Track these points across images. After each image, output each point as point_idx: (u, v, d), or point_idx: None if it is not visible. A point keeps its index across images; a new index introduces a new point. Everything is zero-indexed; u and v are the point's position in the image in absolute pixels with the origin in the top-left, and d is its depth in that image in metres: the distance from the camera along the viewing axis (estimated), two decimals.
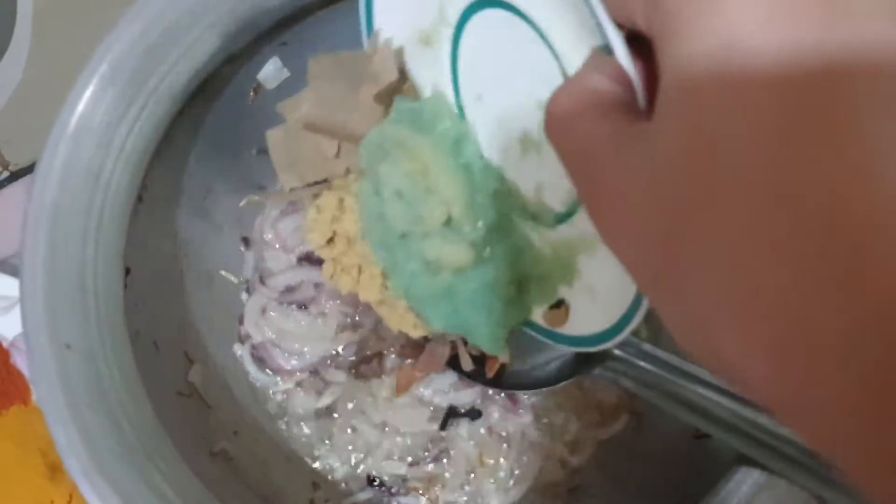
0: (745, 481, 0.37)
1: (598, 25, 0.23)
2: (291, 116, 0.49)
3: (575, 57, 0.28)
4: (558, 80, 0.29)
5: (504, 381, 0.49)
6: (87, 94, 0.42)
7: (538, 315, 0.39)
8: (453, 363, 0.49)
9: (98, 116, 0.42)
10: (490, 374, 0.48)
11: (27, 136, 0.69)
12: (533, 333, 0.40)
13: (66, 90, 0.62)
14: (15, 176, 0.72)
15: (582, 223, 0.33)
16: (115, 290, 0.42)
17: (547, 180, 0.34)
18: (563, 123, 0.24)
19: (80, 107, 0.42)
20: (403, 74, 0.45)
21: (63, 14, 0.62)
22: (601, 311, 0.34)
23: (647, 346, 0.45)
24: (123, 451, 0.37)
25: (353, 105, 0.48)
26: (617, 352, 0.44)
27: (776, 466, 0.35)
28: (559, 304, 0.38)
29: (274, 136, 0.52)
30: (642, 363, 0.42)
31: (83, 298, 0.40)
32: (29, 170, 0.72)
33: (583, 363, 0.46)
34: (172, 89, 0.44)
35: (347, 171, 0.52)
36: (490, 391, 0.51)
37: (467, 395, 0.51)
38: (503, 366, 0.49)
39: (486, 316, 0.40)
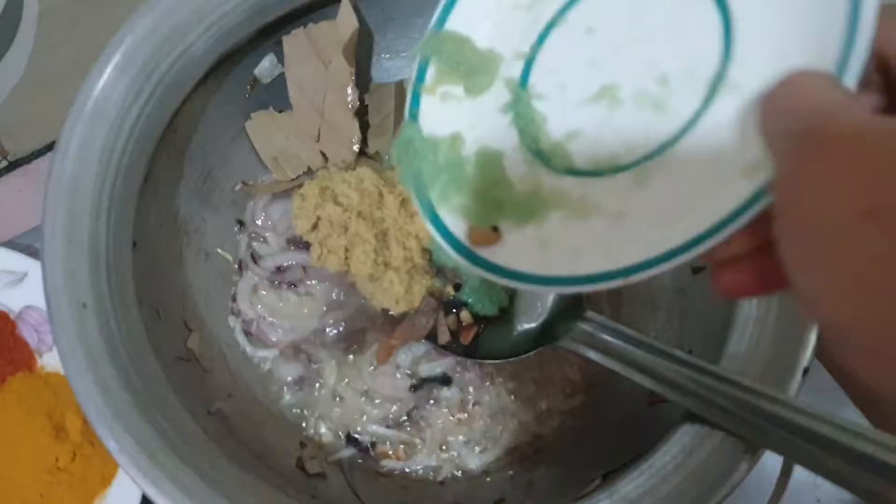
0: (688, 433, 0.41)
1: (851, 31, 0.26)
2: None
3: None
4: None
5: (477, 351, 0.54)
6: (103, 80, 0.46)
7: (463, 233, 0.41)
8: (429, 336, 0.54)
9: (112, 101, 0.46)
10: (465, 341, 0.53)
11: (25, 127, 0.73)
12: (464, 261, 0.40)
13: (66, 85, 0.66)
14: (13, 165, 0.75)
15: (590, 187, 0.35)
16: (125, 259, 0.46)
17: (591, 133, 0.35)
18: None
19: (96, 92, 0.46)
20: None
21: (67, 13, 0.65)
22: (540, 261, 0.36)
23: (609, 322, 0.49)
24: (134, 399, 0.41)
25: (326, 81, 0.53)
26: (583, 326, 0.49)
27: (716, 418, 0.40)
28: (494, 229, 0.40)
29: (253, 128, 0.56)
30: (605, 336, 0.47)
31: (97, 264, 0.44)
32: (27, 159, 0.76)
33: (549, 336, 0.51)
34: (178, 80, 0.49)
35: (325, 158, 0.56)
36: (465, 362, 0.55)
37: (440, 366, 0.55)
38: (477, 335, 0.53)
39: None
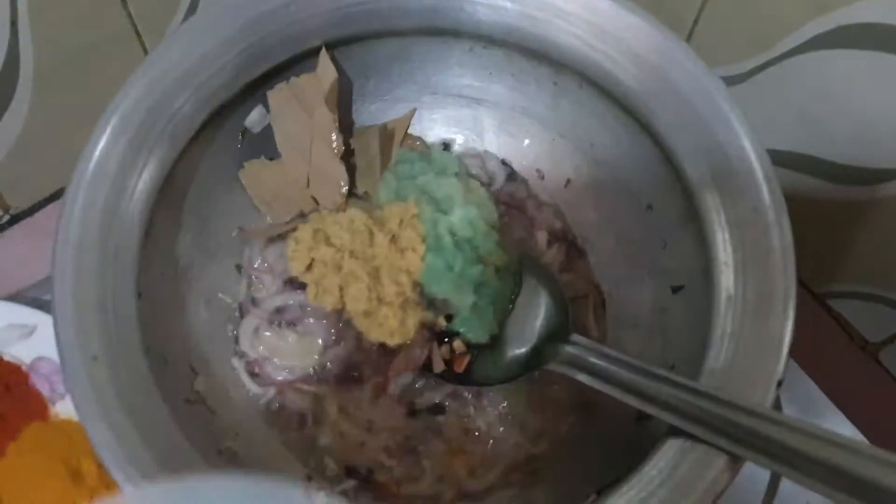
0: (672, 448, 0.43)
1: None
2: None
3: None
4: None
5: (471, 378, 0.56)
6: (102, 143, 0.49)
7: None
8: (425, 366, 0.56)
9: (111, 163, 0.49)
10: (459, 369, 0.55)
11: (26, 181, 0.75)
12: None
13: (64, 138, 0.69)
14: (15, 219, 0.78)
15: None
16: (131, 311, 0.48)
17: None
18: None
19: (96, 155, 0.48)
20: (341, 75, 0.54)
21: (63, 72, 0.67)
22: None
23: (594, 344, 0.51)
24: (147, 444, 0.44)
25: (311, 130, 0.56)
26: (570, 349, 0.51)
27: (697, 432, 0.42)
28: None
29: (246, 176, 0.59)
30: (591, 358, 0.49)
31: (105, 318, 0.46)
32: (28, 212, 0.78)
33: (538, 360, 0.53)
34: (173, 137, 0.51)
35: (316, 202, 0.59)
36: (460, 390, 0.57)
37: (436, 395, 0.57)
38: (470, 363, 0.56)
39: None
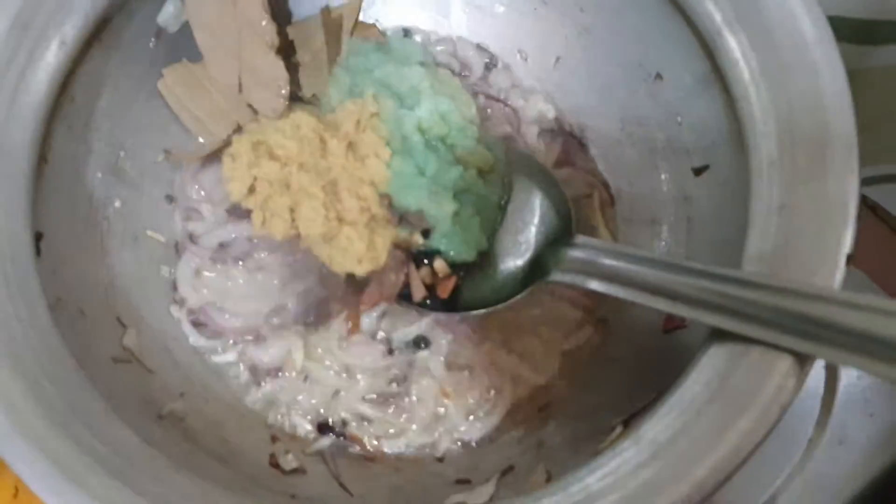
0: (718, 355, 0.34)
1: None
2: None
3: None
4: None
5: (458, 304, 0.47)
6: None
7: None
8: (402, 294, 0.47)
9: None
10: (444, 294, 0.46)
11: None
12: None
13: None
14: None
15: None
16: (27, 255, 0.39)
17: None
18: None
19: None
20: None
21: None
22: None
23: (609, 244, 0.43)
24: (47, 412, 0.35)
25: (236, 19, 0.46)
26: (575, 253, 0.42)
27: (752, 332, 0.33)
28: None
29: (167, 86, 0.50)
30: (604, 260, 0.41)
31: None
32: None
33: (538, 272, 0.45)
34: (63, 34, 0.42)
35: (253, 111, 0.50)
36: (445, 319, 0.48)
37: (417, 327, 0.49)
38: (456, 286, 0.47)
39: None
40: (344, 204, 0.45)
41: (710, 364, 0.35)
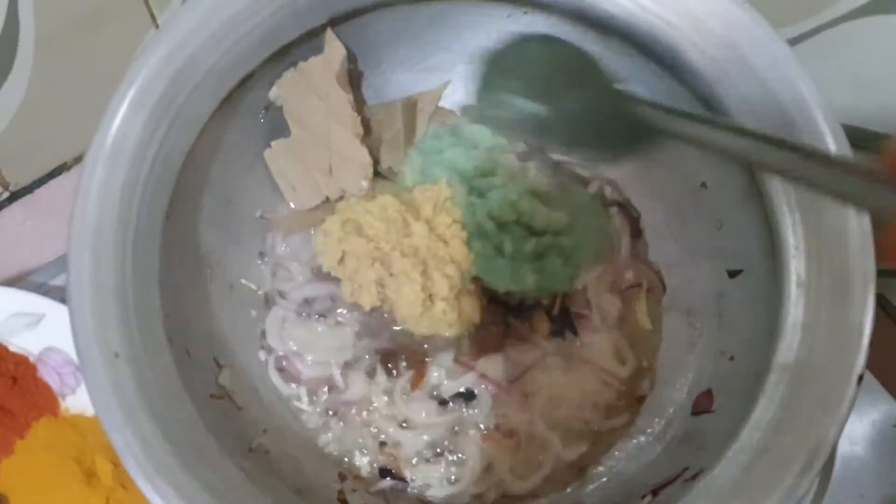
0: (744, 451, 0.41)
1: None
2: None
3: None
4: None
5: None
6: (119, 117, 0.44)
7: None
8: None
9: (130, 139, 0.44)
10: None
11: (26, 156, 0.71)
12: None
13: (66, 111, 0.64)
14: (15, 196, 0.73)
15: None
16: (152, 301, 0.45)
17: None
18: None
19: (114, 130, 0.44)
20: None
21: (64, 39, 0.63)
22: None
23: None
24: (174, 449, 0.40)
25: (327, 114, 0.52)
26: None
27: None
28: None
29: (272, 157, 0.55)
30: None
31: (125, 310, 0.43)
32: (28, 189, 0.74)
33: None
34: (196, 109, 0.47)
35: (343, 193, 0.55)
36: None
37: (465, 381, 0.54)
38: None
39: None
40: (434, 282, 0.50)
41: (735, 460, 0.41)
